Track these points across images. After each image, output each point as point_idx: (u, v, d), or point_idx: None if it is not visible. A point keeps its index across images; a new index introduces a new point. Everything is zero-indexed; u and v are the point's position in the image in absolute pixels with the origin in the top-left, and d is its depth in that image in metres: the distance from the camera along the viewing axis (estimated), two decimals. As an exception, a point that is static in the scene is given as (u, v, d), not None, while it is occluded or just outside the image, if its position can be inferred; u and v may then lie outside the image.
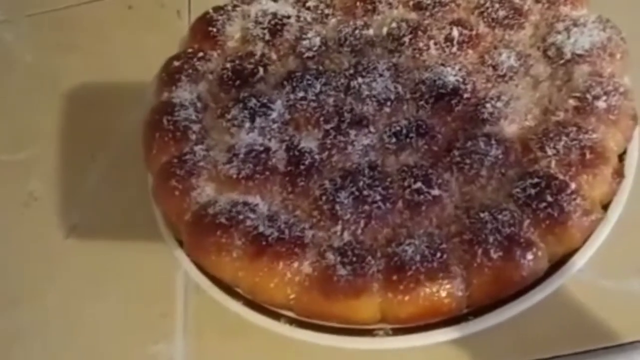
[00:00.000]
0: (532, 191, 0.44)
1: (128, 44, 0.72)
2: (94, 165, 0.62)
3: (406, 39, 0.54)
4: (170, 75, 0.55)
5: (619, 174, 0.46)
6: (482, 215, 0.44)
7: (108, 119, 0.66)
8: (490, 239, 0.43)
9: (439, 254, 0.43)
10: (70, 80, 0.71)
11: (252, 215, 0.46)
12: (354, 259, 0.44)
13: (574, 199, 0.44)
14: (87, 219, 0.58)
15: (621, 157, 0.48)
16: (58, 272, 0.56)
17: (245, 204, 0.47)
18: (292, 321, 0.45)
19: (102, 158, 0.62)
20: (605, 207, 0.46)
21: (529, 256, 0.43)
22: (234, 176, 0.48)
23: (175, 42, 0.64)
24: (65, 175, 0.62)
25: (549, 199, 0.44)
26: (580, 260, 0.45)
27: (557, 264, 0.45)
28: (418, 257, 0.43)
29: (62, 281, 0.55)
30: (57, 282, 0.55)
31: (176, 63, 0.56)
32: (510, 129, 0.49)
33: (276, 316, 0.46)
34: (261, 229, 0.46)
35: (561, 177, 0.45)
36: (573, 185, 0.44)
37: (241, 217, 0.46)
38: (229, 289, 0.47)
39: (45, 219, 0.59)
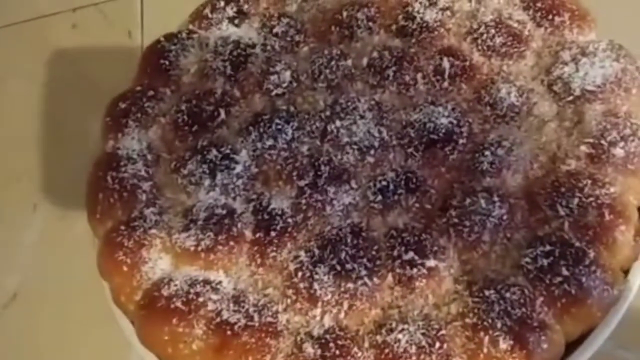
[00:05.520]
0: (544, 262, 0.38)
1: (73, 69, 0.64)
2: (36, 215, 0.54)
3: (390, 72, 0.46)
4: (115, 119, 0.47)
5: (642, 233, 0.40)
6: (487, 293, 0.37)
7: (51, 160, 0.58)
8: (499, 324, 0.36)
9: (438, 344, 0.36)
10: (9, 112, 0.63)
11: (214, 297, 0.39)
12: (337, 352, 0.37)
13: (594, 272, 0.37)
14: (29, 285, 0.51)
15: (640, 209, 0.42)
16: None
17: (206, 282, 0.40)
18: (266, 420, 0.38)
19: (45, 207, 0.54)
20: (626, 271, 0.40)
21: (544, 344, 0.36)
22: (192, 248, 0.41)
23: (126, 67, 0.56)
24: (4, 228, 0.54)
25: (565, 272, 0.37)
26: (599, 338, 0.38)
27: (574, 342, 0.39)
28: (413, 349, 0.36)
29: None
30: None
31: (122, 105, 0.48)
32: (514, 180, 0.42)
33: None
34: (225, 315, 0.38)
35: (577, 243, 0.38)
36: (591, 254, 0.38)
37: (201, 299, 0.39)
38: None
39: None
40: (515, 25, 0.47)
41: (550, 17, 0.47)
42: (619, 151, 0.41)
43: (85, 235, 0.48)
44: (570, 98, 0.44)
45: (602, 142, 0.41)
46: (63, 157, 0.59)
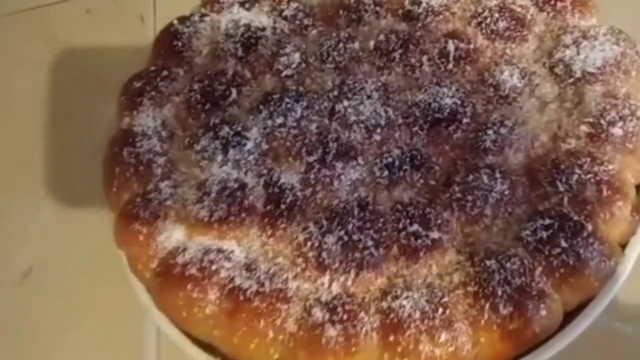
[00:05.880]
0: (544, 234, 0.39)
1: (87, 52, 0.66)
2: (49, 197, 0.55)
3: (396, 54, 0.48)
4: (130, 98, 0.49)
5: (638, 209, 0.42)
6: (488, 263, 0.39)
7: (62, 143, 0.59)
8: (499, 292, 0.38)
9: (440, 310, 0.38)
10: (22, 97, 0.64)
11: (227, 265, 0.41)
12: (345, 316, 0.38)
13: (591, 243, 0.39)
14: (42, 261, 0.52)
15: (638, 187, 0.43)
16: (10, 322, 0.50)
17: (219, 250, 0.41)
18: (276, 382, 0.40)
19: (58, 189, 0.55)
20: (623, 245, 0.42)
21: (542, 311, 0.38)
22: (205, 219, 0.42)
23: (139, 51, 0.58)
24: (17, 209, 0.55)
25: (563, 243, 0.39)
26: (597, 309, 0.40)
27: (572, 312, 0.40)
28: (417, 314, 0.38)
29: (14, 333, 0.49)
30: (9, 334, 0.49)
31: (137, 84, 0.49)
32: (515, 158, 0.43)
33: (259, 376, 0.40)
34: (238, 281, 0.40)
35: (575, 217, 0.40)
36: (589, 227, 0.39)
37: (215, 267, 0.41)
38: (206, 344, 0.42)
39: (-3, 260, 0.53)
40: (519, 9, 0.49)
41: (552, 2, 0.49)
42: (617, 130, 0.43)
43: (96, 215, 0.50)
44: (571, 80, 0.45)
45: (602, 121, 0.43)
46: (75, 140, 0.60)
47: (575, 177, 0.41)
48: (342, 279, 0.40)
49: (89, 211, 0.51)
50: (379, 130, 0.45)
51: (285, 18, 0.52)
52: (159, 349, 0.47)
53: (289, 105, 0.46)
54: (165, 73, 0.50)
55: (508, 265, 0.39)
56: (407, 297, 0.39)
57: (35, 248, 0.53)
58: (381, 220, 0.42)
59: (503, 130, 0.44)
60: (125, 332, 0.49)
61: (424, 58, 0.48)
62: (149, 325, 0.48)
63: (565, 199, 0.41)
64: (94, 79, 0.62)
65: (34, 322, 0.50)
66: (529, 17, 0.48)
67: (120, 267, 0.46)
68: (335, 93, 0.47)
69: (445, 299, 0.39)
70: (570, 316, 0.40)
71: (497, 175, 0.42)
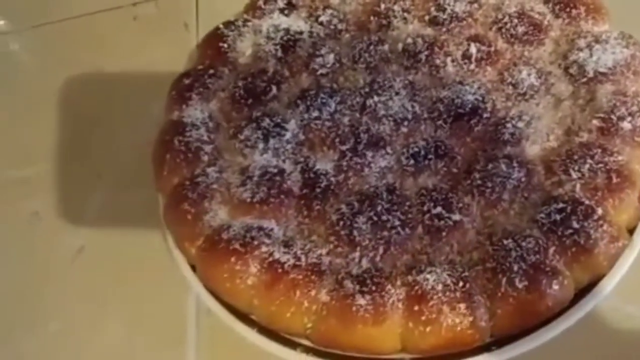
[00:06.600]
0: (557, 217, 0.43)
1: (134, 57, 0.70)
2: (100, 184, 0.60)
3: (422, 56, 0.52)
4: (180, 93, 0.54)
5: (645, 197, 0.45)
6: (505, 242, 0.43)
7: (114, 135, 0.64)
8: (515, 268, 0.42)
9: (461, 283, 0.42)
10: (76, 95, 0.69)
11: (267, 241, 0.45)
12: (373, 287, 0.42)
13: (601, 225, 0.43)
14: (94, 240, 0.57)
15: (646, 179, 0.47)
16: (63, 297, 0.54)
17: (260, 228, 0.46)
18: (309, 350, 0.44)
19: (109, 176, 0.60)
20: (630, 231, 0.45)
21: (555, 285, 0.41)
22: (248, 200, 0.47)
23: (183, 56, 0.63)
24: (71, 194, 0.60)
25: (575, 225, 0.43)
26: (606, 288, 0.43)
27: (582, 291, 0.44)
28: (440, 287, 0.42)
29: (67, 307, 0.54)
30: (62, 308, 0.54)
31: (186, 80, 0.54)
32: (532, 150, 0.47)
33: (292, 345, 0.44)
34: (277, 255, 0.44)
35: (587, 202, 0.43)
36: (599, 211, 0.43)
37: (256, 242, 0.45)
38: (243, 315, 0.46)
39: (51, 240, 0.58)
40: (536, 16, 0.53)
41: (567, 9, 0.53)
42: (626, 125, 0.46)
43: (144, 198, 0.55)
44: (584, 79, 0.49)
45: (612, 117, 0.47)
46: (125, 132, 0.64)
47: (587, 166, 0.45)
48: (371, 254, 0.44)
49: (138, 194, 0.56)
50: (406, 123, 0.49)
51: (321, 23, 0.57)
52: (198, 322, 0.51)
53: (324, 101, 0.51)
54: (212, 71, 0.54)
55: (524, 244, 0.42)
56: (430, 272, 0.42)
57: (87, 228, 0.57)
58: (407, 203, 0.46)
59: (521, 124, 0.48)
60: (167, 307, 0.52)
61: (448, 59, 0.52)
62: (190, 300, 0.52)
63: (578, 186, 0.44)
64: (141, 80, 0.67)
65: (84, 297, 0.54)
66: (545, 22, 0.53)
67: (165, 247, 0.51)
68: (366, 90, 0.51)
69: (466, 274, 0.42)
70: (580, 296, 0.43)
71: (515, 164, 0.46)
